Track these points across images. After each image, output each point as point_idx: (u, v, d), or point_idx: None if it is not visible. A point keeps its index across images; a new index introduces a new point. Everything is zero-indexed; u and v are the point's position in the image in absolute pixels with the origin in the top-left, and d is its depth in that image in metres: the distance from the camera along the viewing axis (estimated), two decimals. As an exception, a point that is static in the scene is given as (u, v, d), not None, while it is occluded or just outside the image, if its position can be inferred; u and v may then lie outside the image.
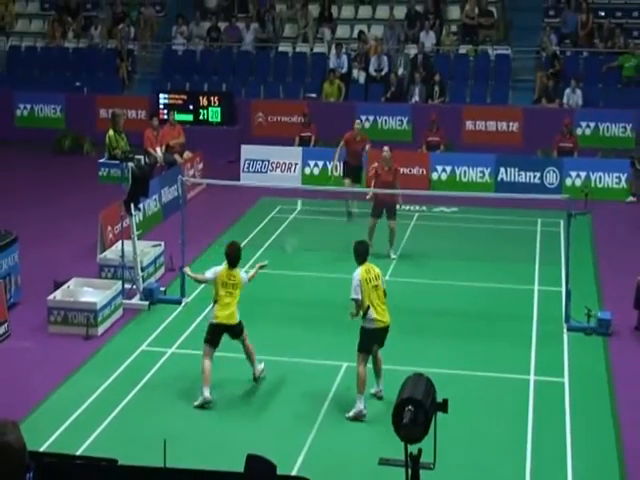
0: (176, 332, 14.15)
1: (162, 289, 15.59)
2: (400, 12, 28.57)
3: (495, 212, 20.15)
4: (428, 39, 27.33)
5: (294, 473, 9.82)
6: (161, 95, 25.85)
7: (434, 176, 22.63)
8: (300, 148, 23.44)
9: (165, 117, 23.90)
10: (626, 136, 24.54)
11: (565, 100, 25.29)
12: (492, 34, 27.67)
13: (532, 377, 12.72)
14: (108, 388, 12.30)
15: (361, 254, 11.82)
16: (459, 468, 10.16)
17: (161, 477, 6.28)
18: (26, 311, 14.73)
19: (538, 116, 24.91)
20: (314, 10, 28.97)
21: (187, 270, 13.08)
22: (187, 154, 22.61)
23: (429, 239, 18.49)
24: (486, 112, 25.43)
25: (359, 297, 11.45)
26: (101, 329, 14.06)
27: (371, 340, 11.60)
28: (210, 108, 25.64)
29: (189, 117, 25.39)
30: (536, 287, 16.16)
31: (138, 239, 15.72)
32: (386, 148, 17.88)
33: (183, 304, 15.22)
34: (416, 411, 5.12)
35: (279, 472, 6.00)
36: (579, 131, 24.51)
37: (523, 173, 22.27)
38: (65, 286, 14.61)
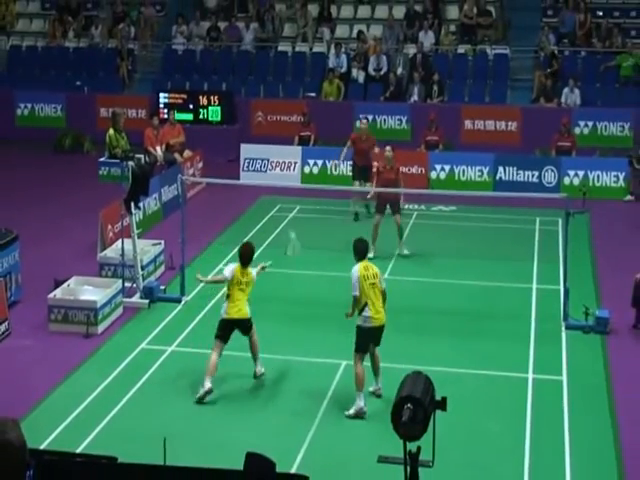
0: (176, 330, 14.19)
1: (162, 287, 15.63)
2: (399, 12, 28.58)
3: (494, 211, 20.18)
4: (427, 39, 27.35)
5: (293, 471, 9.85)
6: (161, 94, 25.88)
7: (433, 175, 22.65)
8: (299, 147, 23.48)
9: (165, 116, 23.95)
10: (624, 135, 24.57)
11: (563, 99, 25.31)
12: (490, 34, 27.69)
13: (530, 375, 12.75)
14: (108, 386, 12.34)
15: (360, 251, 11.91)
16: (458, 466, 10.20)
17: (161, 475, 6.29)
18: (26, 309, 14.77)
19: (536, 115, 24.95)
20: (313, 10, 28.98)
21: (199, 277, 12.92)
22: (187, 153, 22.64)
23: (428, 238, 18.52)
24: (485, 111, 25.46)
25: (358, 293, 11.54)
26: (101, 327, 14.10)
27: (367, 339, 11.65)
28: (210, 107, 25.67)
29: (189, 116, 25.42)
30: (534, 285, 16.20)
31: (138, 238, 15.75)
32: (388, 148, 18.01)
33: (183, 302, 15.26)
34: (415, 409, 5.14)
35: (278, 470, 6.02)
36: (577, 130, 24.54)
37: (521, 172, 22.30)
38: (65, 284, 14.64)
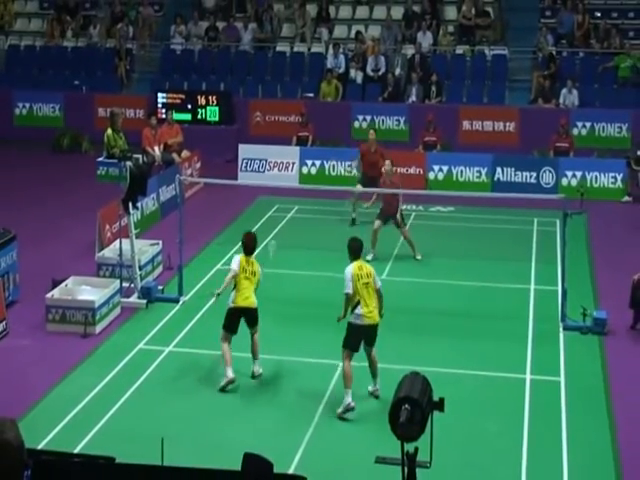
0: (174, 330, 14.19)
1: (160, 288, 15.62)
2: (397, 12, 28.58)
3: (492, 212, 20.20)
4: (425, 39, 27.36)
5: (291, 471, 9.85)
6: (159, 94, 25.88)
7: (431, 176, 22.66)
8: (297, 147, 23.49)
9: (163, 116, 23.96)
10: (622, 136, 24.58)
11: (561, 100, 25.33)
12: (489, 34, 27.70)
13: (528, 376, 12.76)
14: (106, 386, 12.34)
15: (354, 251, 11.97)
16: (455, 466, 10.21)
17: (158, 475, 6.30)
18: (24, 309, 14.77)
19: (534, 116, 24.95)
20: (312, 10, 28.98)
21: (216, 292, 12.56)
22: (185, 153, 22.64)
23: (426, 238, 18.50)
24: (483, 112, 25.47)
25: (350, 292, 11.57)
26: (99, 327, 14.10)
27: (358, 337, 11.67)
28: (208, 107, 25.67)
29: (187, 116, 25.42)
30: (532, 286, 16.21)
31: (136, 238, 15.75)
32: (388, 162, 17.92)
33: (181, 303, 15.26)
34: (413, 410, 5.14)
35: (276, 470, 6.03)
36: (575, 131, 24.55)
37: (519, 173, 22.31)
38: (63, 284, 14.64)
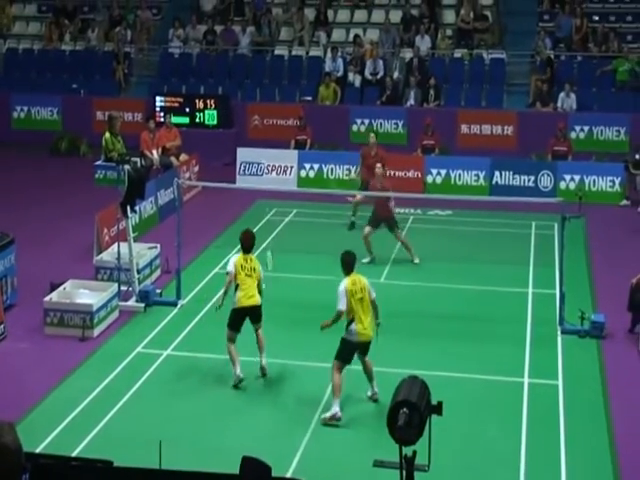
0: (172, 334, 14.19)
1: (158, 291, 15.62)
2: (395, 16, 28.61)
3: (490, 215, 20.20)
4: (423, 43, 27.38)
5: (289, 475, 9.86)
6: (157, 98, 25.88)
7: (429, 179, 22.67)
8: (296, 151, 23.51)
9: (161, 120, 23.96)
10: (620, 140, 24.59)
11: (559, 104, 25.34)
12: (487, 38, 27.72)
13: (526, 379, 12.77)
14: (104, 390, 12.34)
15: (348, 264, 11.85)
16: (454, 470, 10.21)
17: (157, 479, 6.30)
18: (22, 313, 14.76)
19: (532, 120, 24.97)
20: (310, 14, 29.01)
21: (218, 304, 12.71)
22: (183, 157, 22.64)
23: (424, 242, 18.50)
24: (481, 116, 25.48)
25: (343, 308, 11.50)
26: (97, 331, 14.09)
27: (351, 351, 11.65)
28: (206, 111, 25.68)
29: (185, 120, 25.41)
30: (530, 290, 16.22)
31: (134, 241, 15.75)
32: (378, 165, 17.89)
33: (179, 306, 15.26)
34: (411, 413, 5.14)
35: (274, 474, 6.03)
36: (573, 135, 24.56)
37: (518, 176, 22.32)
38: (61, 288, 14.64)
